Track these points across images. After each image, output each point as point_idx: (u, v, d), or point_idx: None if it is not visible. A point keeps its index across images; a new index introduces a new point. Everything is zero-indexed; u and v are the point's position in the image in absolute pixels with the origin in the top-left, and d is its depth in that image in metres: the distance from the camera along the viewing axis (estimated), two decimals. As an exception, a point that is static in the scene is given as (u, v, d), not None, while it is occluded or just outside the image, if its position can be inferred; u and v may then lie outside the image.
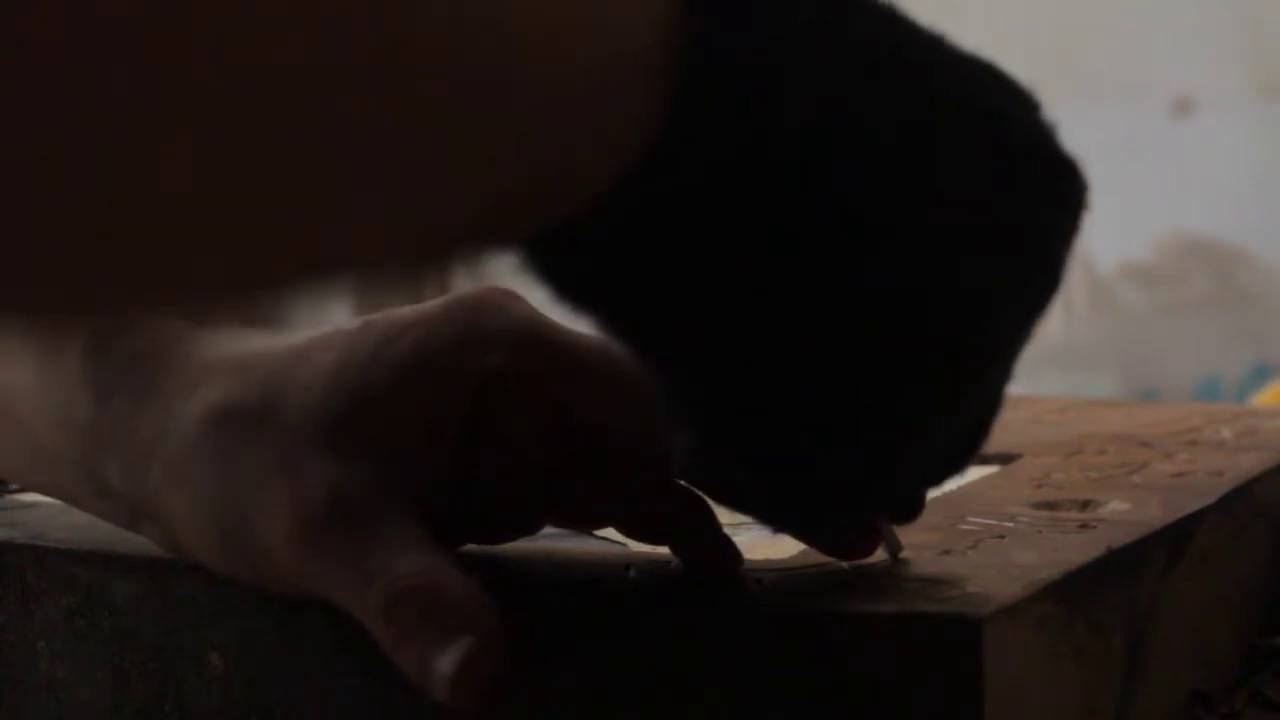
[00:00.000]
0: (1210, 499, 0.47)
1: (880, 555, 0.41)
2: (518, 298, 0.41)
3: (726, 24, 0.31)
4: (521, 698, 0.40)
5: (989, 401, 0.38)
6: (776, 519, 0.39)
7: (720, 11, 0.31)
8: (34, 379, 0.42)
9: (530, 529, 0.43)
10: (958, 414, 0.37)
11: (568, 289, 0.34)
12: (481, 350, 0.40)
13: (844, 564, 0.40)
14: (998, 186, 0.35)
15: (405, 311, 0.41)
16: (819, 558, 0.41)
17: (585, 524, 0.44)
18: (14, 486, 0.53)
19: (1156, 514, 0.45)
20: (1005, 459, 0.54)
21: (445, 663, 0.36)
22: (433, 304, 0.41)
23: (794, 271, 0.34)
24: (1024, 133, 0.36)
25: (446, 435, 0.40)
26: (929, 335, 0.35)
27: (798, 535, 0.40)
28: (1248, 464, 0.51)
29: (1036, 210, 0.36)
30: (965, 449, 0.39)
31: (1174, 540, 0.45)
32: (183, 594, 0.44)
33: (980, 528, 0.44)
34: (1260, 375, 2.44)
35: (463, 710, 0.36)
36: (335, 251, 0.28)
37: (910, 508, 0.40)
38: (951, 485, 0.44)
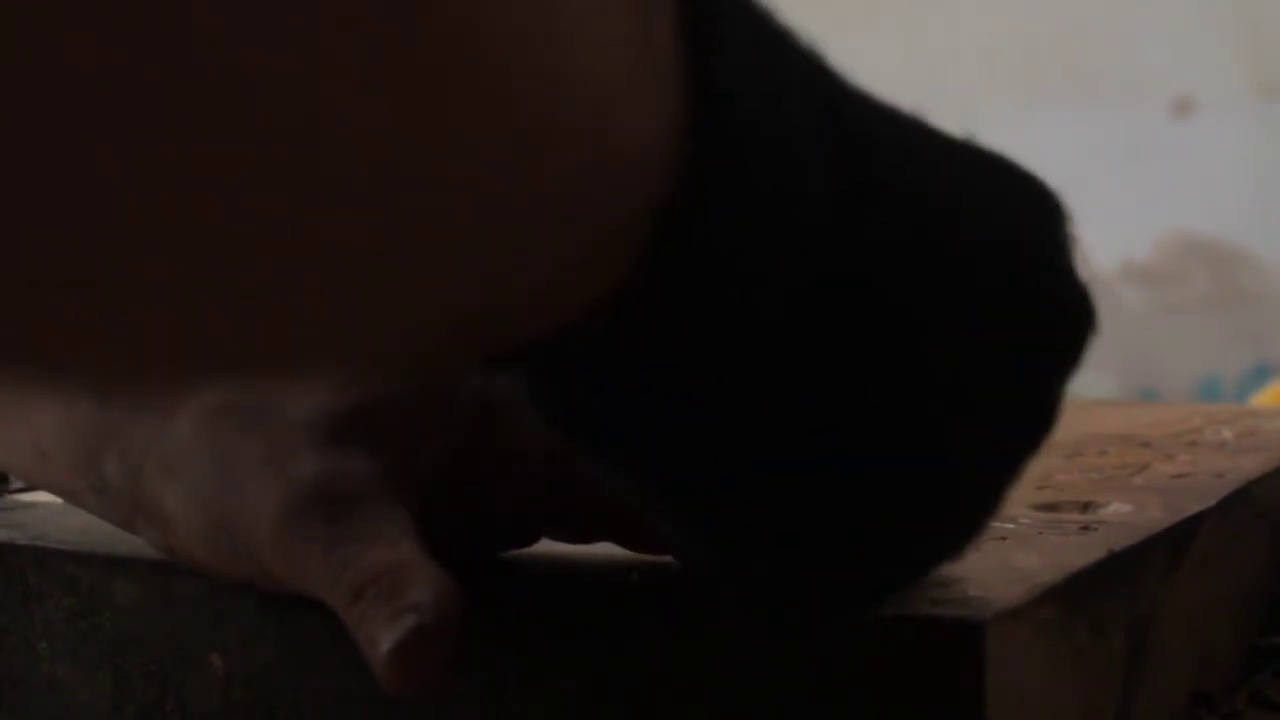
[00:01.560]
0: (1211, 500, 0.47)
1: None
2: None
3: (736, 122, 0.28)
4: (521, 698, 0.40)
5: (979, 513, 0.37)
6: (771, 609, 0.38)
7: (731, 110, 0.28)
8: None
9: (528, 540, 0.43)
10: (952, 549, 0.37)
11: (555, 410, 0.32)
12: (484, 373, 0.40)
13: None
14: (1012, 321, 0.34)
15: None
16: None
17: (583, 537, 0.44)
18: (15, 486, 0.53)
19: (1158, 516, 0.45)
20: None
21: (386, 641, 0.36)
22: None
23: (804, 392, 0.32)
24: (1044, 270, 0.35)
25: (448, 441, 0.40)
26: (937, 465, 0.34)
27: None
28: (1248, 465, 0.51)
29: (1048, 350, 0.35)
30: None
31: (1175, 542, 0.45)
32: (183, 595, 0.44)
33: (981, 529, 0.44)
34: (1260, 375, 2.44)
35: (405, 693, 0.36)
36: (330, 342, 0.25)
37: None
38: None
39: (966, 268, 0.33)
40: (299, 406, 0.40)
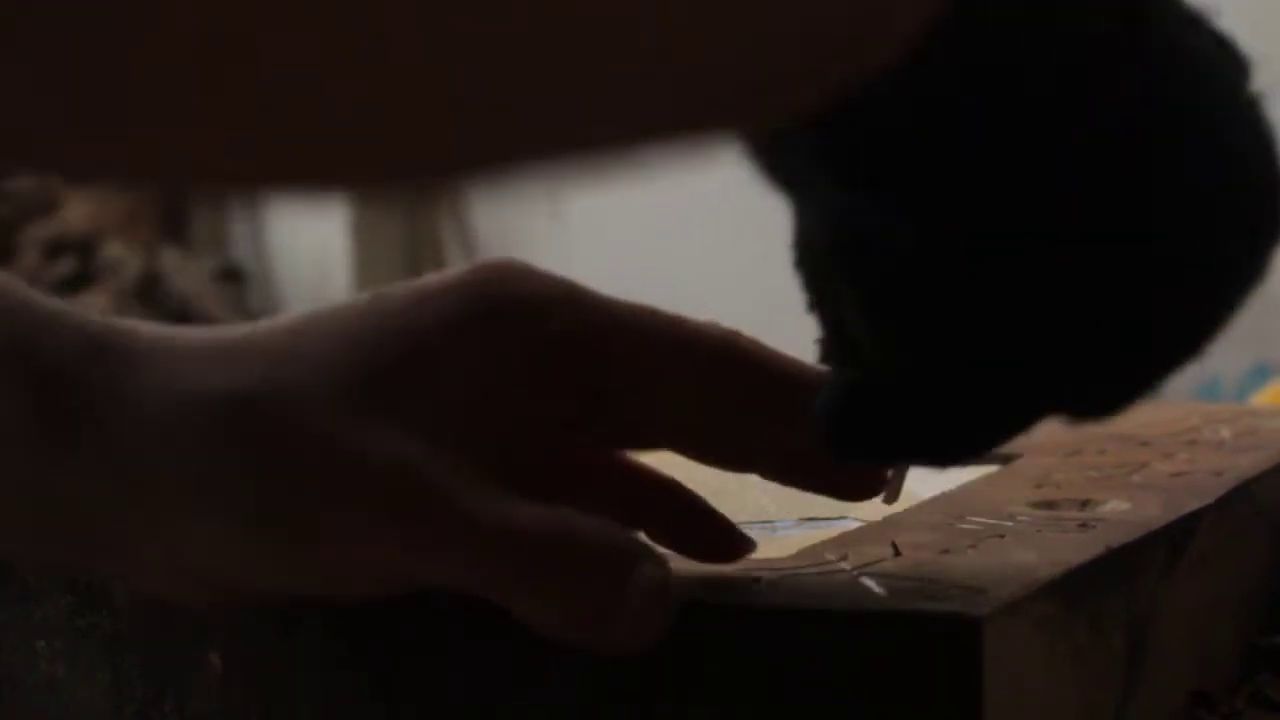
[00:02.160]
0: (1210, 499, 0.47)
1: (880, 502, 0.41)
2: (535, 268, 0.40)
3: None
4: (520, 699, 0.40)
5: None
6: (914, 456, 0.39)
7: None
8: None
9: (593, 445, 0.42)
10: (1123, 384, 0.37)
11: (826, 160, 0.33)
12: (536, 312, 0.39)
13: (845, 564, 0.41)
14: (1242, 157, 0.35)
15: (424, 281, 0.39)
16: (819, 558, 0.41)
17: (635, 438, 0.42)
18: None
19: (1156, 514, 0.45)
20: (1005, 458, 0.54)
21: (632, 599, 0.35)
22: (451, 273, 0.39)
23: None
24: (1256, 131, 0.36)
25: (499, 396, 0.38)
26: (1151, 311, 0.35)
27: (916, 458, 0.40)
28: (1247, 464, 0.51)
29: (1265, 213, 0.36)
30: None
31: (1173, 540, 0.45)
32: (182, 594, 0.44)
33: (980, 527, 0.44)
34: (1260, 375, 2.44)
35: (647, 646, 0.35)
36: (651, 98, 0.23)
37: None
38: (950, 485, 0.44)
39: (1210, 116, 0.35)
40: (327, 384, 0.37)
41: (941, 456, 0.39)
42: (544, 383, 0.39)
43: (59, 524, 0.38)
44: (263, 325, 0.39)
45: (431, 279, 0.39)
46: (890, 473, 0.41)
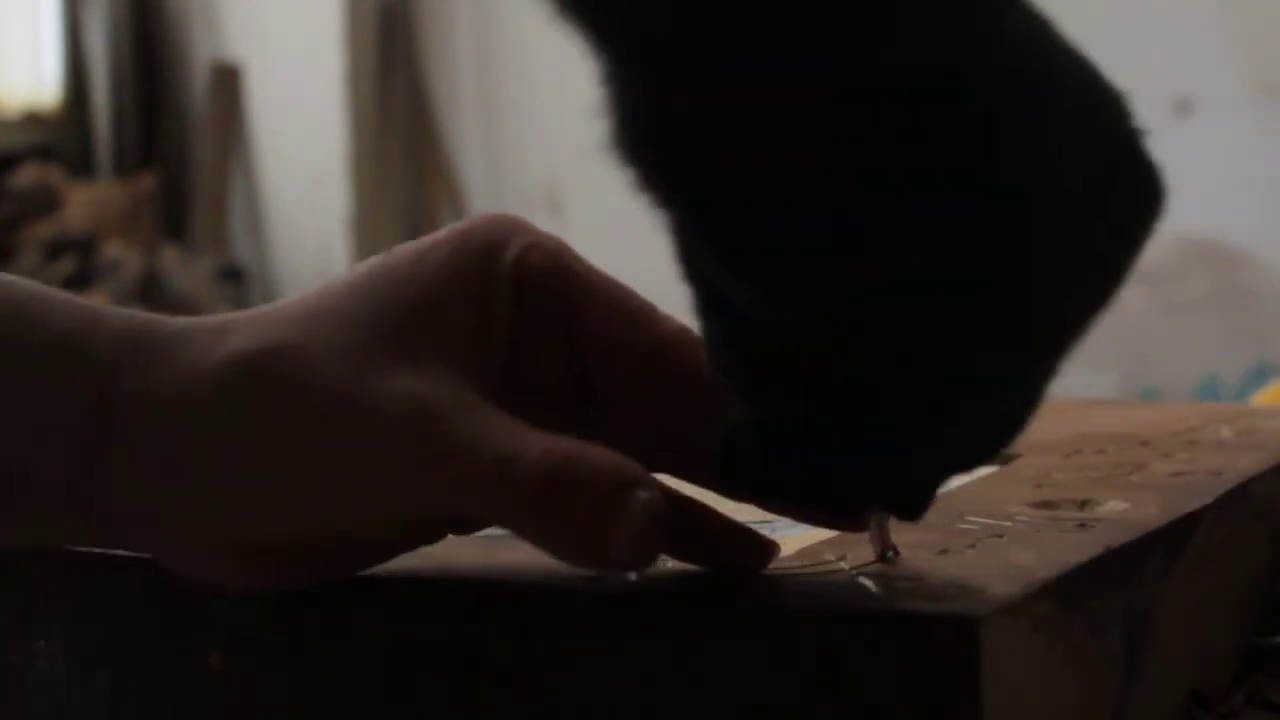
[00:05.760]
0: (1209, 499, 0.47)
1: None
2: (528, 225, 0.41)
3: None
4: (520, 698, 0.40)
5: (1029, 396, 0.38)
6: (805, 500, 0.39)
7: None
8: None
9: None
10: (1004, 399, 0.37)
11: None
12: (521, 245, 0.40)
13: (844, 564, 0.41)
14: (1093, 172, 0.35)
15: (426, 238, 0.41)
16: (818, 558, 0.41)
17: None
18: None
19: (1155, 514, 0.45)
20: (1004, 458, 0.54)
21: (628, 522, 0.36)
22: (452, 226, 0.41)
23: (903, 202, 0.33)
24: (1118, 130, 0.36)
25: (494, 334, 0.40)
26: (1008, 299, 0.35)
27: (819, 518, 0.40)
28: (1247, 464, 0.51)
29: (1118, 207, 0.36)
30: (994, 442, 0.39)
31: (1172, 540, 0.45)
32: (182, 593, 0.44)
33: (979, 527, 0.44)
34: (1260, 375, 2.44)
35: (638, 568, 0.37)
36: None
37: (920, 503, 0.40)
38: (951, 484, 0.44)
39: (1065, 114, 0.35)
40: (351, 331, 0.39)
41: (830, 504, 0.40)
42: (527, 343, 0.41)
43: (105, 511, 0.40)
44: (279, 301, 0.41)
45: (433, 235, 0.41)
46: (870, 527, 0.41)
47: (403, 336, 0.39)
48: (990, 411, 0.37)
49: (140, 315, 0.40)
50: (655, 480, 0.37)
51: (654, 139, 0.33)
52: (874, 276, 0.34)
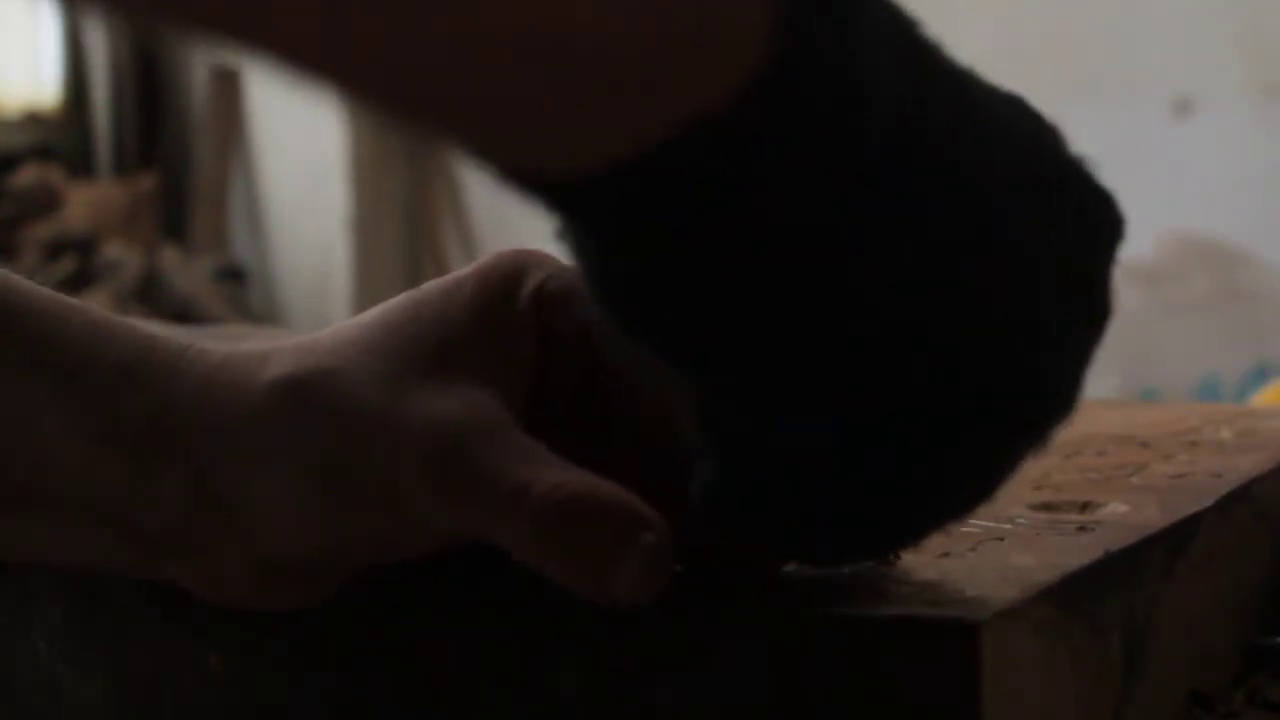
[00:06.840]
0: (1209, 501, 0.47)
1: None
2: (551, 260, 0.42)
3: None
4: (521, 697, 0.40)
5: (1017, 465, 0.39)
6: (786, 550, 0.40)
7: None
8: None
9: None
10: (996, 476, 0.39)
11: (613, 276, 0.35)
12: (539, 276, 0.41)
13: (844, 568, 0.41)
14: (1043, 211, 0.36)
15: (454, 273, 0.42)
16: (818, 559, 0.41)
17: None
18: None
19: (1155, 516, 0.45)
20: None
21: (632, 563, 0.37)
22: (479, 262, 0.42)
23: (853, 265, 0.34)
24: (1062, 163, 0.37)
25: (518, 362, 0.41)
26: (969, 356, 0.36)
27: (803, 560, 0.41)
28: (1247, 465, 0.51)
29: (1078, 239, 0.37)
30: (969, 499, 0.39)
31: (1173, 542, 0.45)
32: (183, 595, 0.44)
33: (979, 530, 0.44)
34: (1260, 375, 2.44)
35: (640, 607, 0.37)
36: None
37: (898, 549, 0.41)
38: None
39: (1005, 146, 0.36)
40: (382, 358, 0.40)
41: (810, 555, 0.40)
42: (550, 369, 0.41)
43: (140, 528, 0.41)
44: (315, 333, 0.42)
45: (460, 271, 0.42)
46: None
47: (433, 365, 0.40)
48: (983, 489, 0.39)
49: (190, 348, 0.42)
50: (662, 521, 0.38)
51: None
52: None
